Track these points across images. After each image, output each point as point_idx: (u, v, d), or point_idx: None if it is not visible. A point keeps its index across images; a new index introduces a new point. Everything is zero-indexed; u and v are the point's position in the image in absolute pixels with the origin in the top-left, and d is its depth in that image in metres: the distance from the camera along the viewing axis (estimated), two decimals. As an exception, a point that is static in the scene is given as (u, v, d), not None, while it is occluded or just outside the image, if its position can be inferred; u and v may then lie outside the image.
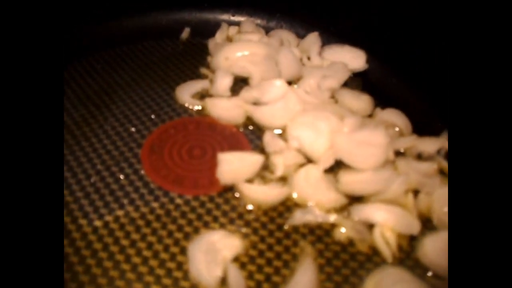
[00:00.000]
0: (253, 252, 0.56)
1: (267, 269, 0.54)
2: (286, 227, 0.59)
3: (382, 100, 0.77)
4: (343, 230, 0.59)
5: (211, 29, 0.91)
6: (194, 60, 0.85)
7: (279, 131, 0.70)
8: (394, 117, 0.72)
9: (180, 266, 0.54)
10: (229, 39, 0.87)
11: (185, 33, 0.90)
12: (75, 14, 0.88)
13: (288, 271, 0.54)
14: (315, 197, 0.61)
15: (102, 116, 0.72)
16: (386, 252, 0.57)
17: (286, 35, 0.88)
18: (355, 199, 0.62)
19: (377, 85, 0.81)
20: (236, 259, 0.55)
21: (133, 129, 0.70)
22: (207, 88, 0.76)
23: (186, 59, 0.85)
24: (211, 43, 0.85)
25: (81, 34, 0.88)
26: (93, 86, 0.78)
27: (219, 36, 0.87)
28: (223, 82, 0.75)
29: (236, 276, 0.52)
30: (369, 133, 0.65)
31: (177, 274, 0.53)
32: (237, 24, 0.91)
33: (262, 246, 0.56)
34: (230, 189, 0.62)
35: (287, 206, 0.61)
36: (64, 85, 0.78)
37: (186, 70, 0.82)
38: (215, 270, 0.53)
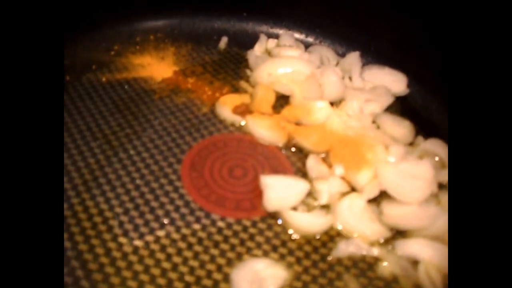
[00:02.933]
0: (297, 284, 0.54)
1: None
2: (330, 258, 0.57)
3: (422, 126, 0.76)
4: (386, 264, 0.58)
5: (249, 39, 0.89)
6: (232, 71, 0.83)
7: (323, 155, 0.68)
8: (437, 147, 0.70)
9: (223, 294, 0.52)
10: (268, 52, 0.86)
11: (223, 42, 0.88)
12: (111, 14, 0.86)
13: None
14: (359, 228, 0.60)
15: (140, 127, 0.70)
16: (430, 289, 0.55)
17: (325, 52, 0.86)
18: (398, 232, 0.61)
19: (417, 111, 0.80)
20: (280, 291, 0.53)
21: (171, 144, 0.68)
22: (248, 103, 0.75)
23: (224, 70, 0.83)
24: (251, 56, 0.83)
25: (116, 34, 0.87)
26: (129, 93, 0.76)
27: (258, 48, 0.85)
28: (265, 99, 0.73)
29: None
30: (415, 165, 0.64)
31: (221, 303, 0.52)
32: (275, 36, 0.90)
33: (306, 278, 0.55)
34: (273, 214, 0.61)
35: (330, 235, 0.60)
36: (101, 89, 0.76)
37: (224, 82, 0.80)
38: (261, 302, 0.51)
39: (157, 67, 0.82)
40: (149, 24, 0.89)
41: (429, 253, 0.58)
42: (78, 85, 0.77)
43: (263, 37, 0.87)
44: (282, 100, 0.76)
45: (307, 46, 0.89)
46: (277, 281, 0.54)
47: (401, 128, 0.74)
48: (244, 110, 0.73)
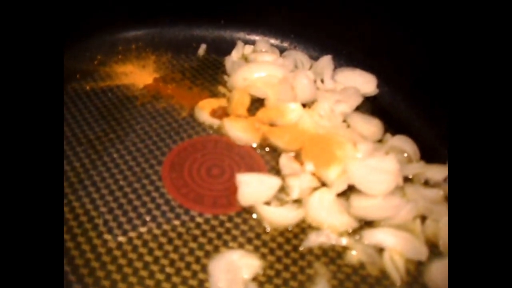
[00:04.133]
0: (270, 272, 0.59)
1: (284, 290, 0.57)
2: (301, 248, 0.62)
3: (390, 125, 0.80)
4: (354, 252, 0.62)
5: (226, 46, 0.94)
6: (210, 77, 0.87)
7: (295, 153, 0.73)
8: (403, 143, 0.75)
9: (201, 283, 0.57)
10: (245, 58, 0.90)
11: (202, 49, 0.93)
12: (94, 25, 0.90)
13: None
14: (329, 220, 0.64)
15: (123, 131, 0.74)
16: (395, 275, 0.60)
17: (299, 56, 0.91)
18: (366, 223, 0.65)
19: (386, 110, 0.85)
20: (254, 279, 0.58)
21: (152, 147, 0.72)
22: (225, 107, 0.79)
23: (202, 76, 0.87)
24: (228, 62, 0.88)
25: (99, 44, 0.91)
26: (112, 100, 0.80)
27: (235, 54, 0.90)
28: (241, 102, 0.77)
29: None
30: (381, 160, 0.68)
31: (199, 291, 0.56)
32: (252, 42, 0.94)
33: (279, 266, 0.59)
34: (248, 209, 0.65)
35: (302, 227, 0.64)
36: (85, 97, 0.80)
37: (203, 88, 0.84)
38: (236, 289, 0.55)
39: (138, 75, 0.86)
40: (131, 34, 0.94)
41: (393, 241, 0.63)
42: (63, 93, 0.80)
43: (240, 44, 0.92)
44: (257, 103, 0.81)
45: (282, 51, 0.94)
46: (251, 270, 0.58)
47: (370, 126, 0.79)
48: (221, 114, 0.77)
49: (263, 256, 0.60)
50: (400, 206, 0.65)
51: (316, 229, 0.64)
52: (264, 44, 0.92)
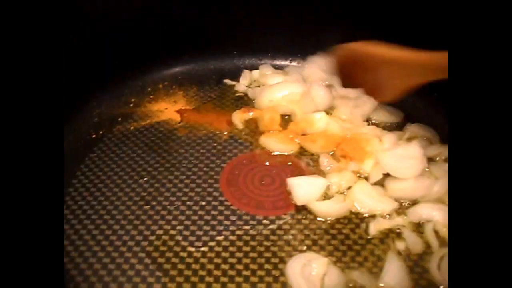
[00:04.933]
0: (340, 265, 0.68)
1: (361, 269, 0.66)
2: (357, 236, 0.71)
3: (408, 115, 0.92)
4: (406, 232, 0.71)
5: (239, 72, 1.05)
6: (237, 102, 0.98)
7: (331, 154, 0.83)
8: (422, 129, 0.87)
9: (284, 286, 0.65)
10: (254, 81, 1.04)
11: (223, 79, 1.04)
12: (122, 73, 1.00)
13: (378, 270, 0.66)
14: (373, 206, 0.74)
15: (176, 160, 0.84)
16: (434, 243, 0.69)
17: (307, 71, 1.02)
18: (407, 204, 0.75)
19: (403, 101, 0.93)
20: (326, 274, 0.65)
21: (206, 169, 0.82)
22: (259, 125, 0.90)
23: (230, 102, 0.98)
24: (250, 91, 1.00)
25: (130, 89, 1.01)
26: (157, 134, 0.90)
27: (243, 81, 1.03)
28: (272, 120, 0.88)
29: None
30: (406, 147, 0.78)
31: None
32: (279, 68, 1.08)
33: (345, 259, 0.68)
34: (303, 207, 0.75)
35: (350, 216, 0.74)
36: (132, 136, 0.89)
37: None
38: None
39: (173, 110, 0.96)
40: (156, 75, 1.04)
41: (438, 214, 0.72)
42: (112, 136, 0.90)
43: (245, 72, 1.05)
44: (286, 117, 0.91)
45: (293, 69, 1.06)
46: (323, 267, 0.64)
47: (392, 117, 0.92)
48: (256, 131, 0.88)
49: (329, 253, 0.68)
50: (431, 185, 0.75)
51: (363, 215, 0.74)
52: (267, 67, 1.05)
